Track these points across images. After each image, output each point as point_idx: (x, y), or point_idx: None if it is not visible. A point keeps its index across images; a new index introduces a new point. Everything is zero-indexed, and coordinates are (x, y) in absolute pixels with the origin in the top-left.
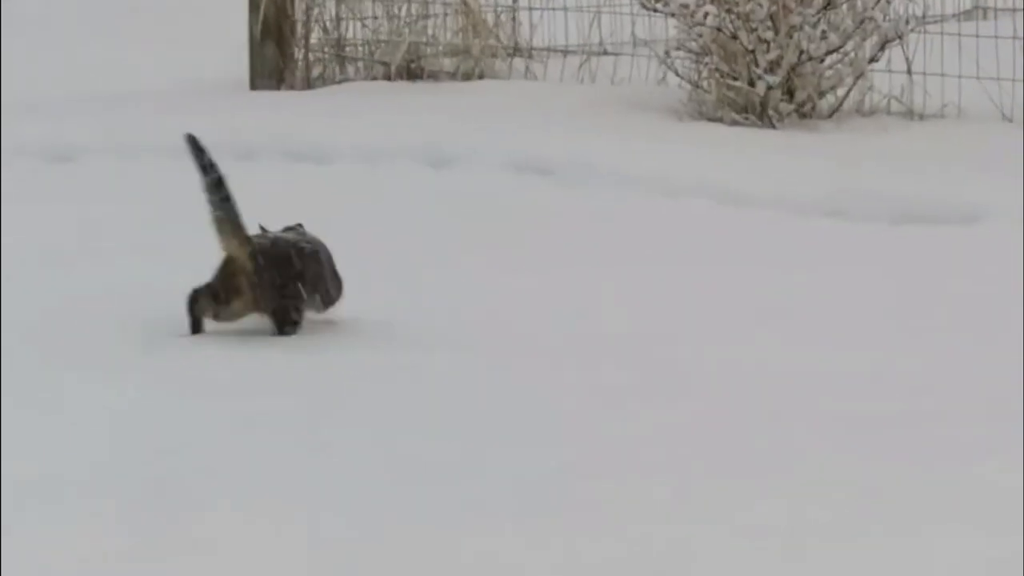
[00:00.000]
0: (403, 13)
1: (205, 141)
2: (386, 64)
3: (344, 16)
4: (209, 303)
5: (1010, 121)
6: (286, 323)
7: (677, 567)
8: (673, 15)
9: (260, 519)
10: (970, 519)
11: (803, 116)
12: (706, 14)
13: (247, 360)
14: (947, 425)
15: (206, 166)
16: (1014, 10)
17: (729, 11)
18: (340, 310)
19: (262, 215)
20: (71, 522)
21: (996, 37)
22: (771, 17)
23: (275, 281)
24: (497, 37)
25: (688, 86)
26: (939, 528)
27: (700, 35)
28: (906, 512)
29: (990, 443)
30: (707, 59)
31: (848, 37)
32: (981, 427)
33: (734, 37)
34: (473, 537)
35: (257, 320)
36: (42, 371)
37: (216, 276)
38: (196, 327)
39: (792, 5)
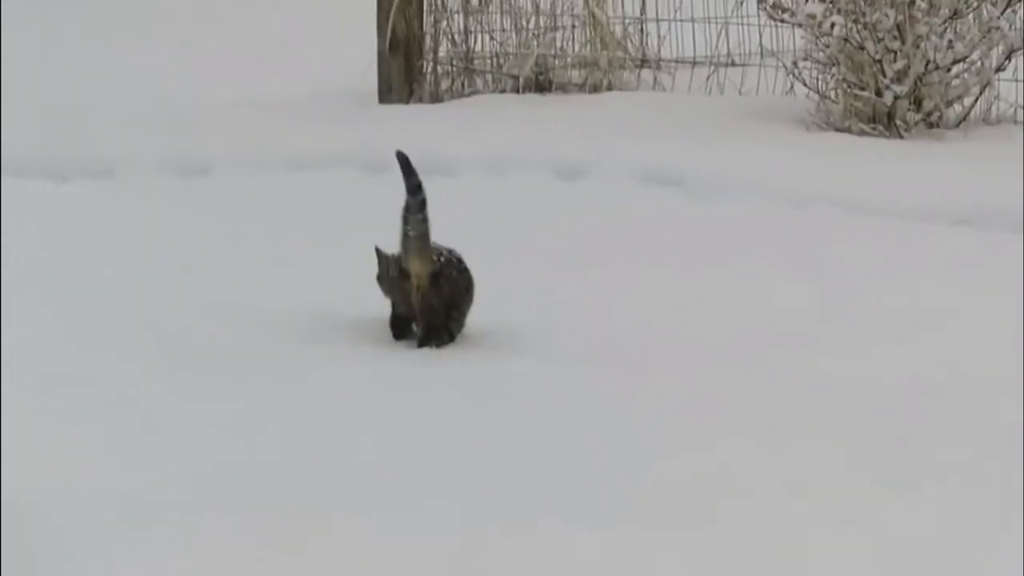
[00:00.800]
0: (531, 26)
1: (335, 153)
2: (515, 77)
3: (472, 29)
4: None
5: None
6: (440, 340)
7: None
8: (800, 25)
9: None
10: None
11: (930, 126)
12: (833, 24)
13: (388, 365)
14: None
15: (414, 186)
16: None
17: (856, 21)
18: (472, 319)
19: (392, 225)
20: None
21: None
22: (898, 27)
23: (443, 302)
24: (625, 49)
25: (815, 96)
26: None
27: (827, 45)
28: None
29: None
30: (834, 69)
31: (974, 47)
32: None
33: (861, 47)
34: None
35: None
36: (198, 374)
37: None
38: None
39: (919, 15)
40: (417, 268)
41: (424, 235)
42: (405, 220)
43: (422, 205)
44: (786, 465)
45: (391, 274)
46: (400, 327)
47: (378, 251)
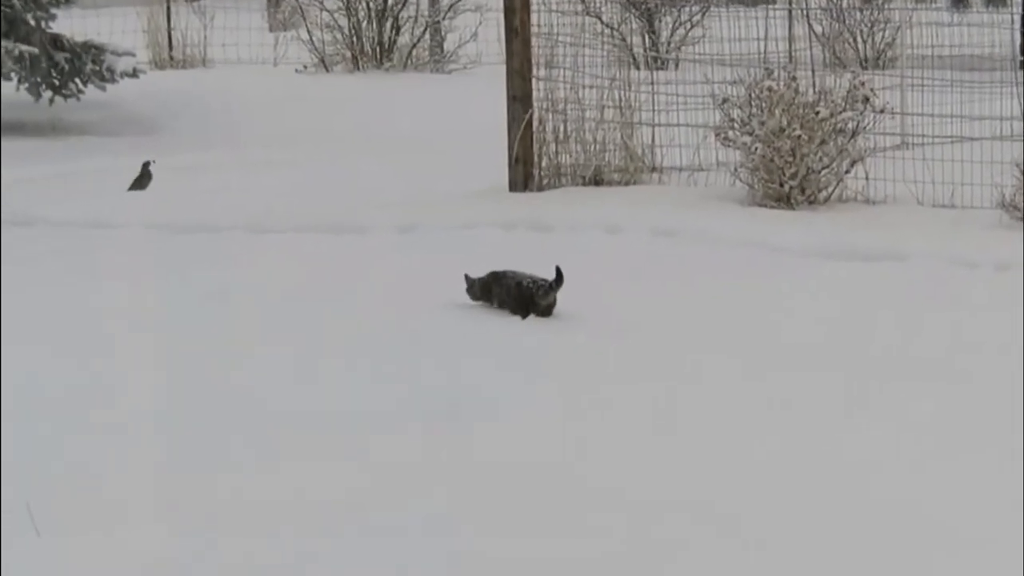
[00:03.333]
0: (592, 149)
1: (487, 222)
2: (583, 177)
3: (560, 152)
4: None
5: (920, 204)
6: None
7: None
8: (739, 149)
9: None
10: None
11: (810, 203)
12: (756, 148)
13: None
14: None
15: (555, 283)
16: (927, 143)
17: (769, 147)
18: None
19: (512, 258)
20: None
21: (913, 159)
22: (791, 150)
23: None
24: (643, 161)
25: (747, 187)
26: None
27: (753, 159)
28: None
29: None
30: (757, 172)
31: (833, 160)
32: None
33: (772, 160)
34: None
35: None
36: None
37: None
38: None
39: (803, 144)
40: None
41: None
42: (539, 286)
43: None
44: None
45: (475, 289)
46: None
47: (467, 277)
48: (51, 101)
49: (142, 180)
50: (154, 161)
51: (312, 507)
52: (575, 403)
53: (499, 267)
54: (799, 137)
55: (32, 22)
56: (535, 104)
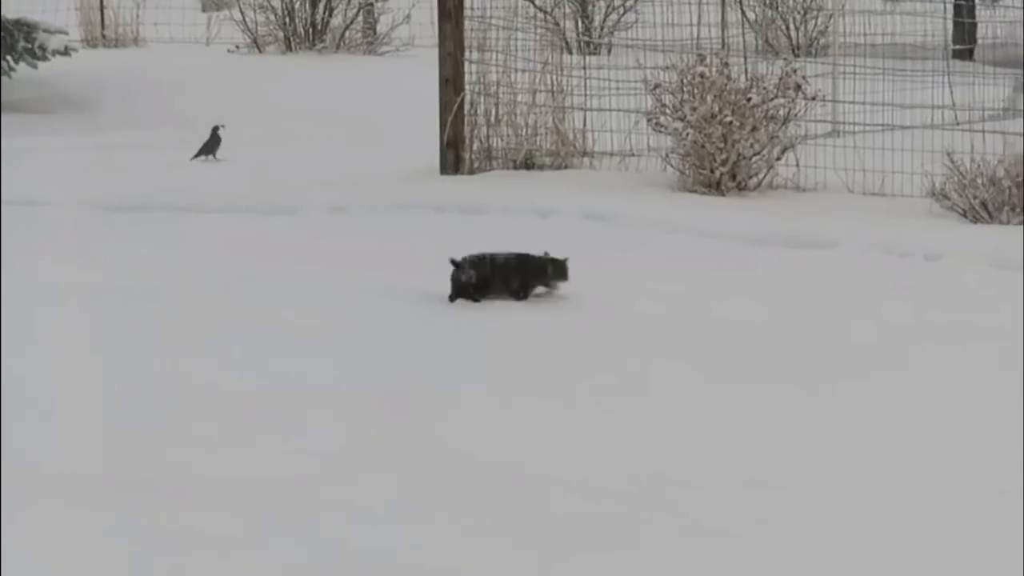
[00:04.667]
0: (524, 133)
1: (418, 204)
2: (514, 160)
3: (491, 135)
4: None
5: (851, 192)
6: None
7: None
8: (670, 135)
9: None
10: None
11: (740, 189)
12: (688, 134)
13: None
14: None
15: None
16: (858, 131)
17: (701, 132)
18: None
19: (439, 239)
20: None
21: (844, 147)
22: (723, 136)
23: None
24: (574, 146)
25: (678, 172)
26: None
27: (685, 145)
28: None
29: None
30: (688, 158)
31: (764, 147)
32: None
33: (703, 147)
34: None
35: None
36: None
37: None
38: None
39: (734, 130)
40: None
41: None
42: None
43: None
44: None
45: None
46: (459, 294)
47: (452, 260)
48: None
49: (211, 145)
50: (223, 126)
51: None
52: (506, 387)
53: (432, 249)
54: (730, 123)
55: None
56: (467, 87)
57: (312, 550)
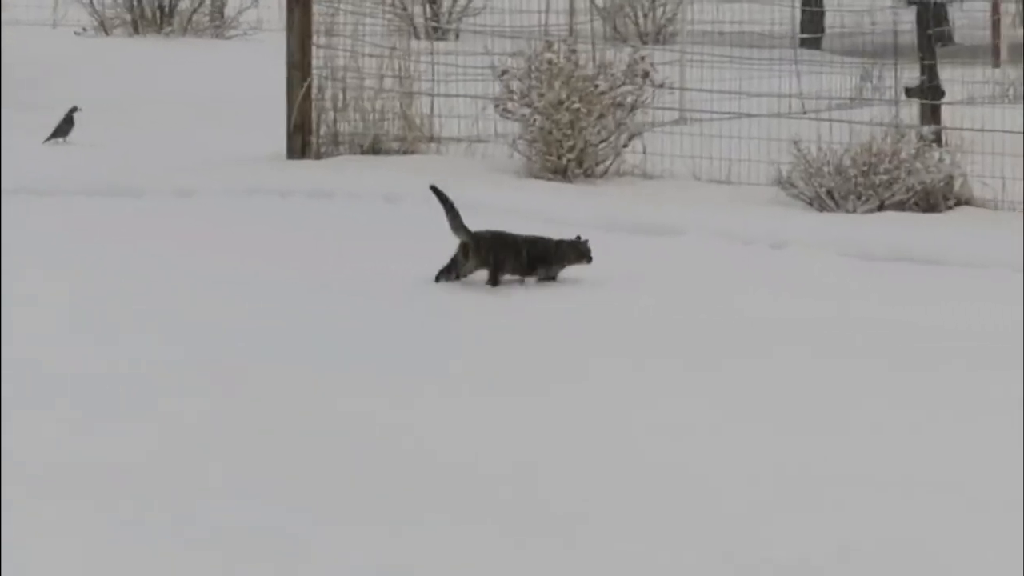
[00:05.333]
0: (371, 118)
1: (264, 189)
2: (361, 145)
3: (339, 120)
4: (452, 268)
5: (697, 180)
6: (493, 281)
7: None
8: (517, 121)
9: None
10: None
11: (587, 176)
12: (536, 120)
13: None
14: None
15: (447, 203)
16: (705, 119)
17: (548, 119)
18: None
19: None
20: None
21: (691, 134)
22: (570, 123)
23: (488, 254)
24: (422, 131)
25: (525, 159)
26: None
27: (532, 132)
28: None
29: None
30: (536, 144)
31: (611, 134)
32: None
33: (551, 133)
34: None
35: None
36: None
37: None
38: (441, 278)
39: (581, 117)
40: (464, 238)
41: (460, 223)
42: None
43: (454, 212)
44: None
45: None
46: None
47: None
48: None
49: (63, 128)
50: (79, 108)
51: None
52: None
53: (275, 233)
54: (578, 110)
55: None
56: (315, 72)
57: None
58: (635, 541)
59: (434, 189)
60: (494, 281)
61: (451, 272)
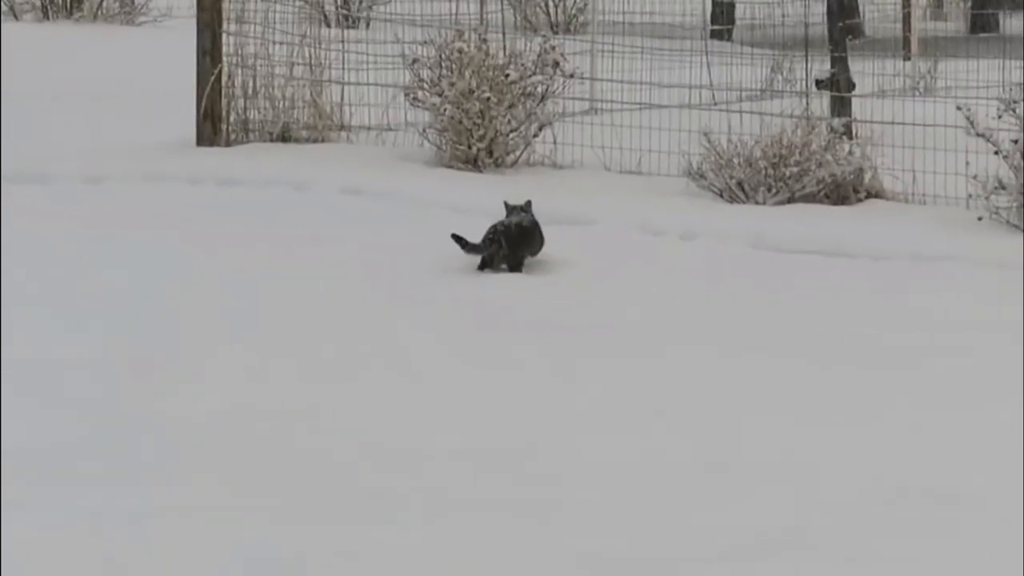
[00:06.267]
0: (281, 106)
1: (174, 176)
2: (271, 133)
3: (249, 108)
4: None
5: (608, 170)
6: (517, 268)
7: None
8: (428, 110)
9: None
10: None
11: (497, 165)
12: (446, 109)
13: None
14: None
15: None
16: (616, 109)
17: (459, 108)
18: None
19: (220, 217)
20: None
21: (601, 124)
22: (480, 112)
23: (512, 244)
24: (332, 119)
25: (435, 148)
26: None
27: (442, 121)
28: None
29: None
30: (446, 134)
31: (521, 124)
32: None
33: (461, 122)
34: None
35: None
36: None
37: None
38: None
39: (492, 106)
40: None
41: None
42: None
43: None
44: None
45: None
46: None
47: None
48: None
49: None
50: None
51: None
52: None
53: (182, 219)
54: (488, 99)
55: None
56: (224, 59)
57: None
58: None
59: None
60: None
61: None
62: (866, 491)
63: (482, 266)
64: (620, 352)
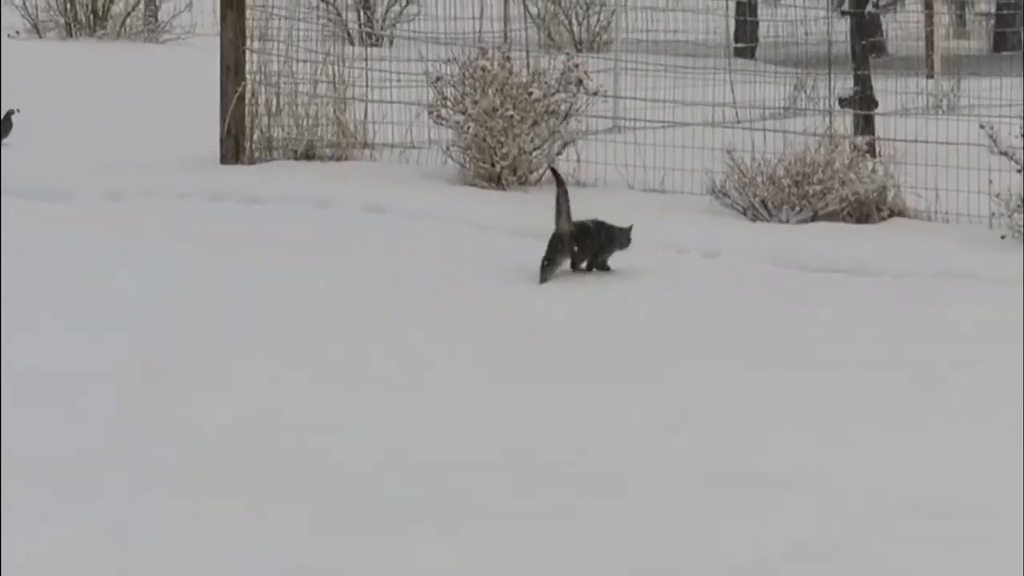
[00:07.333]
0: (304, 124)
1: (196, 193)
2: (295, 151)
3: (272, 125)
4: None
5: (631, 188)
6: (600, 266)
7: None
8: (451, 128)
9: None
10: None
11: (521, 183)
12: (469, 127)
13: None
14: None
15: (562, 183)
16: (639, 127)
17: (482, 126)
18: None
19: (242, 233)
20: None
21: (625, 143)
22: (504, 130)
23: (585, 244)
24: (355, 137)
25: (459, 166)
26: None
27: (465, 138)
28: None
29: None
30: (469, 151)
31: (544, 141)
32: None
33: (484, 140)
34: None
35: None
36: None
37: (550, 245)
38: (544, 278)
39: (515, 124)
40: (563, 228)
41: (566, 211)
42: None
43: (566, 196)
44: None
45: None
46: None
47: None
48: None
49: (2, 130)
50: (18, 110)
51: None
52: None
53: (207, 237)
54: (511, 117)
55: None
56: (248, 76)
57: None
58: None
59: (553, 170)
60: (588, 267)
61: (555, 267)
62: (888, 504)
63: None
64: (641, 366)
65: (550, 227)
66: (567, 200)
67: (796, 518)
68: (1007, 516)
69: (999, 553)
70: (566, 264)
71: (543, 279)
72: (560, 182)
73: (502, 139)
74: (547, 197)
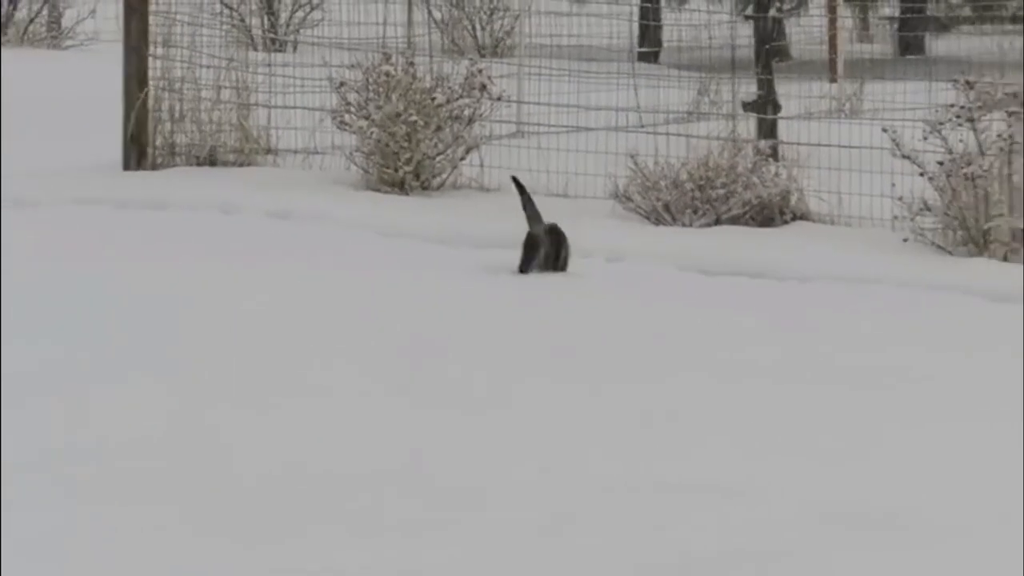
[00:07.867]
0: (208, 130)
1: (100, 199)
2: (198, 157)
3: (175, 131)
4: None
5: (535, 193)
6: (563, 267)
7: None
8: (355, 133)
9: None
10: None
11: (424, 188)
12: (373, 132)
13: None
14: None
15: (524, 190)
16: (543, 132)
17: (385, 131)
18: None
19: (140, 236)
20: None
21: (528, 147)
22: (407, 136)
23: (554, 246)
24: (258, 143)
25: (362, 171)
26: None
27: (369, 144)
28: None
29: None
30: (373, 157)
31: (448, 147)
32: None
33: (387, 145)
34: None
35: None
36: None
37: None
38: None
39: (419, 129)
40: (536, 230)
41: (535, 214)
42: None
43: (530, 201)
44: None
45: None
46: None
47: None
48: None
49: None
50: None
51: None
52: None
53: (110, 243)
54: (415, 123)
55: None
56: (151, 83)
57: None
58: None
59: (515, 180)
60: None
61: (534, 261)
62: (818, 511)
63: (524, 268)
64: (556, 372)
65: (458, 233)
66: (533, 204)
67: (724, 527)
68: (945, 524)
69: (939, 561)
70: (475, 263)
71: (525, 272)
72: (522, 189)
73: (405, 144)
74: (451, 202)
